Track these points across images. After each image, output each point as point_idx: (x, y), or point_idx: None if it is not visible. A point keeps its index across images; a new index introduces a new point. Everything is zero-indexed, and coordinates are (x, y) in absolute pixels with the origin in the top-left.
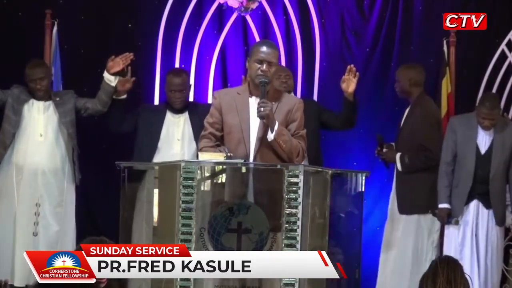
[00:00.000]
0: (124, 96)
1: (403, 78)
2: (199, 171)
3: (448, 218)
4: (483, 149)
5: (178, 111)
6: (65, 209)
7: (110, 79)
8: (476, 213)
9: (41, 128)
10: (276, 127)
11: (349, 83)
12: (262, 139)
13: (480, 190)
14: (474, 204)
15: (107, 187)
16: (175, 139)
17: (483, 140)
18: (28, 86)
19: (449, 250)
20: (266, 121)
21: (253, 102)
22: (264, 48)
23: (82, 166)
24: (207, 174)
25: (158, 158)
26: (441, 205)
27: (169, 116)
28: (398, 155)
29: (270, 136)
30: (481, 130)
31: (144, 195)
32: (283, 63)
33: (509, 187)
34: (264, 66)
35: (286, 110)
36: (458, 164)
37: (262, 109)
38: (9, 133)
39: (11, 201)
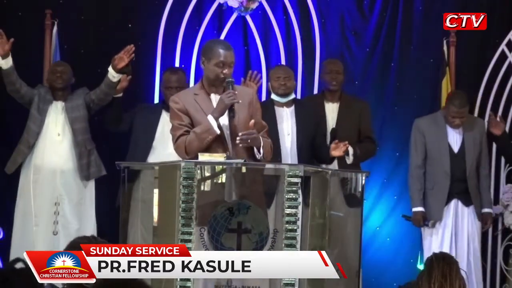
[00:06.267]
0: (120, 95)
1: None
2: (199, 171)
3: (424, 221)
4: (455, 148)
5: None
6: (84, 206)
7: (114, 75)
8: (455, 212)
9: (59, 127)
10: (262, 144)
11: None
12: (234, 139)
13: (459, 189)
14: (453, 203)
15: (106, 187)
16: (170, 138)
17: (454, 139)
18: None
19: (429, 252)
20: (251, 143)
21: (214, 99)
22: (223, 51)
23: None
24: (207, 174)
25: (153, 157)
26: (415, 209)
27: (164, 116)
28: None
29: (259, 156)
30: (450, 129)
31: (139, 195)
32: (283, 63)
33: (480, 185)
34: (226, 70)
35: (248, 102)
36: (430, 166)
37: (230, 97)
38: (33, 133)
39: (30, 201)
